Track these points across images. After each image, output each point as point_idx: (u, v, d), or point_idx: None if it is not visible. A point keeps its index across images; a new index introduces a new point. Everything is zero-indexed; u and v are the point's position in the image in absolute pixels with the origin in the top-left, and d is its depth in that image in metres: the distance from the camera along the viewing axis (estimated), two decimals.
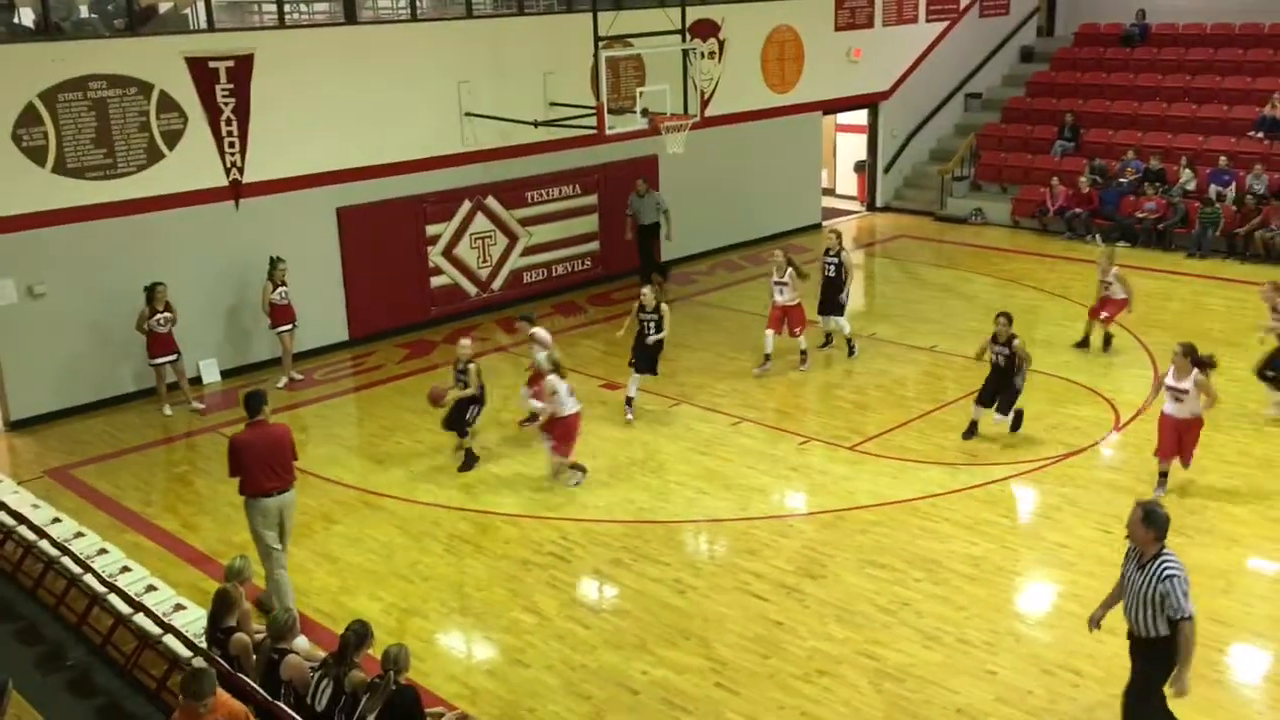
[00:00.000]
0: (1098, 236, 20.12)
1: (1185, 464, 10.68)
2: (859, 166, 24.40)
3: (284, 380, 14.59)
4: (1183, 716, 6.84)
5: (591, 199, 18.27)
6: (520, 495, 11.22)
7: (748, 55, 20.01)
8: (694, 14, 17.44)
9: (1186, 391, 10.34)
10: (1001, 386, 11.89)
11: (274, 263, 14.15)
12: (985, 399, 12.00)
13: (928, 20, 23.50)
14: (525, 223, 17.69)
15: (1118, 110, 22.56)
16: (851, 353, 14.78)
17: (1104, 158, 21.37)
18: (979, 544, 9.94)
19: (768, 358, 14.29)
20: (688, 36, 16.06)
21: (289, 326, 14.42)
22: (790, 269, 13.99)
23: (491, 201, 17.28)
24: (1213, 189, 19.66)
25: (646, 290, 13.08)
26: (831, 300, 14.71)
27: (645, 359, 12.93)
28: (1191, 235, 19.37)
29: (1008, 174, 22.57)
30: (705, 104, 17.72)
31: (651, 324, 12.86)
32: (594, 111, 15.02)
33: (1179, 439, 10.52)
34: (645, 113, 15.30)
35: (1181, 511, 9.75)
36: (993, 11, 25.01)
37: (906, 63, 23.32)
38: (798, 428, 12.60)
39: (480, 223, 17.20)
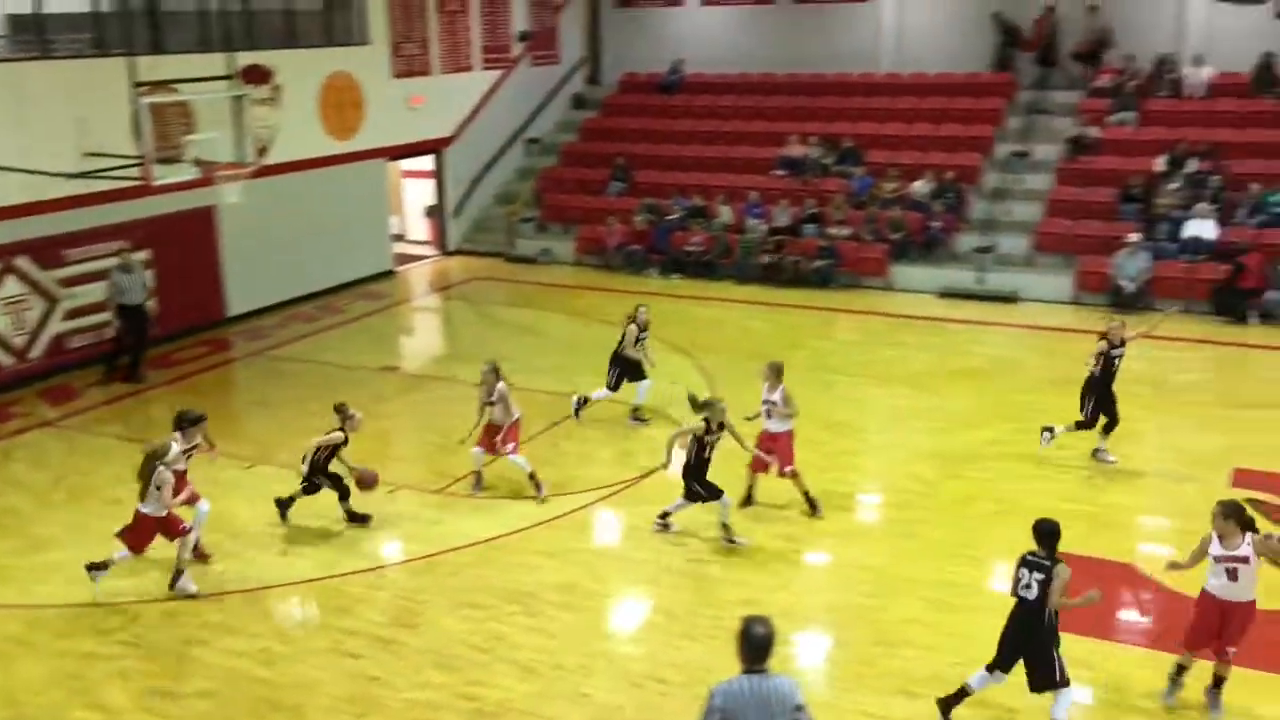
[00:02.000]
0: (655, 270, 21.62)
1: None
2: (429, 211, 24.58)
3: None
4: None
5: (143, 255, 17.01)
6: (79, 584, 10.12)
7: (304, 102, 19.57)
8: (244, 59, 16.82)
9: (1245, 560, 7.73)
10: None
11: None
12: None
13: (483, 68, 24.18)
14: (66, 283, 16.16)
15: (662, 152, 24.37)
16: None
17: (654, 196, 22.99)
18: (568, 571, 10.27)
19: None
20: (239, 82, 15.44)
21: None
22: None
23: (23, 262, 15.63)
24: (749, 222, 21.74)
25: None
26: None
27: None
28: (735, 264, 21.31)
29: (570, 214, 23.66)
30: (263, 152, 17.10)
31: None
32: (139, 161, 14.03)
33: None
34: (198, 162, 14.51)
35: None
36: (543, 61, 26.20)
37: (466, 109, 23.83)
38: (385, 476, 12.41)
39: (10, 286, 15.51)
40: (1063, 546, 7.51)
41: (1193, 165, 19.76)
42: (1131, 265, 18.53)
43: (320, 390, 15.15)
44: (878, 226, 20.86)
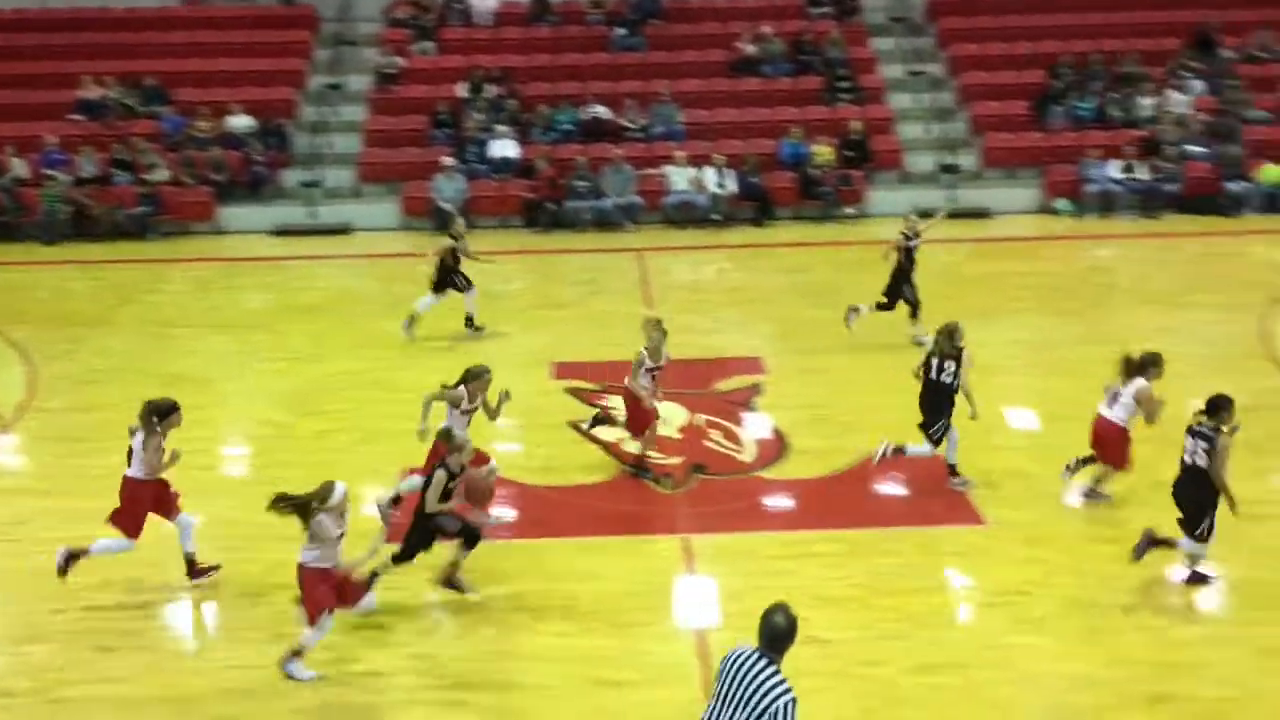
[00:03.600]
0: None
1: None
2: None
3: None
4: None
5: None
6: None
7: None
8: None
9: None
10: None
11: None
12: None
13: None
14: None
15: None
16: None
17: None
18: None
19: None
20: None
21: None
22: None
23: None
24: (50, 173, 19.58)
25: None
26: None
27: None
28: (39, 222, 19.15)
29: None
30: None
31: None
32: None
33: None
34: None
35: None
36: None
37: None
38: None
39: None
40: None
41: (491, 90, 21.33)
42: (449, 188, 19.67)
43: None
44: (197, 168, 19.93)
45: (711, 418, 11.89)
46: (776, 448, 11.17)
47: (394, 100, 21.64)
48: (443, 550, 8.49)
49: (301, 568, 7.58)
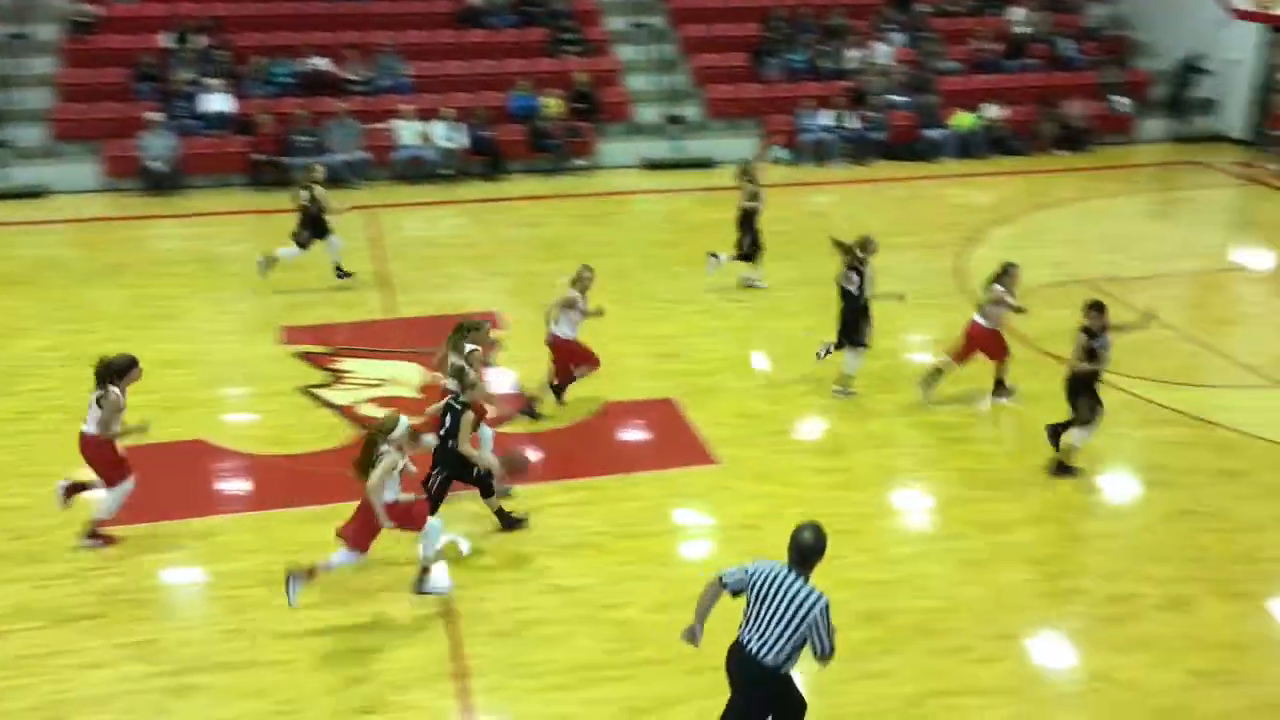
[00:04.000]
0: None
1: None
2: None
3: None
4: None
5: None
6: None
7: None
8: None
9: None
10: None
11: None
12: None
13: None
14: None
15: None
16: None
17: None
18: None
19: None
20: None
21: None
22: None
23: None
24: None
25: None
26: None
27: None
28: None
29: None
30: None
31: None
32: None
33: None
34: None
35: None
36: None
37: None
38: None
39: None
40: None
41: (199, 41, 20.06)
42: (158, 145, 18.43)
43: None
44: None
45: None
46: (518, 402, 11.20)
47: (89, 51, 19.98)
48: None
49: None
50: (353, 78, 20.40)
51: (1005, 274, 10.75)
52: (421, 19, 21.80)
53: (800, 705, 6.04)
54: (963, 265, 15.13)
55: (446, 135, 19.56)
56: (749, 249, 14.32)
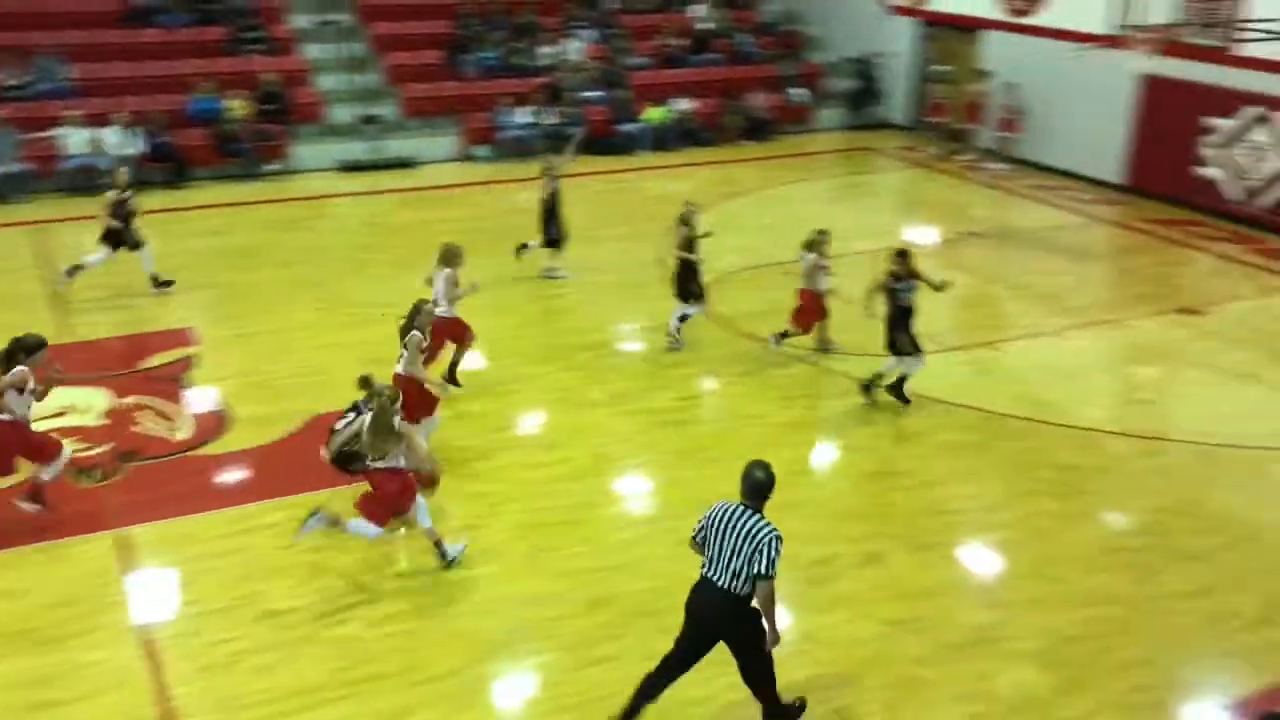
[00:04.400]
0: None
1: None
2: None
3: None
4: None
5: None
6: None
7: None
8: None
9: None
10: None
11: None
12: None
13: None
14: None
15: None
16: None
17: None
18: None
19: None
20: None
21: None
22: None
23: None
24: None
25: None
26: None
27: None
28: None
29: None
30: None
31: None
32: None
33: None
34: None
35: None
36: None
37: None
38: None
39: None
40: None
41: None
42: None
43: None
44: None
45: (140, 399, 11.02)
46: (217, 421, 10.62)
47: None
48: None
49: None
50: (13, 82, 18.68)
51: (818, 241, 11.75)
52: (82, 18, 20.22)
53: (760, 634, 6.31)
54: (665, 254, 15.61)
55: (119, 142, 18.24)
56: (555, 236, 14.51)
